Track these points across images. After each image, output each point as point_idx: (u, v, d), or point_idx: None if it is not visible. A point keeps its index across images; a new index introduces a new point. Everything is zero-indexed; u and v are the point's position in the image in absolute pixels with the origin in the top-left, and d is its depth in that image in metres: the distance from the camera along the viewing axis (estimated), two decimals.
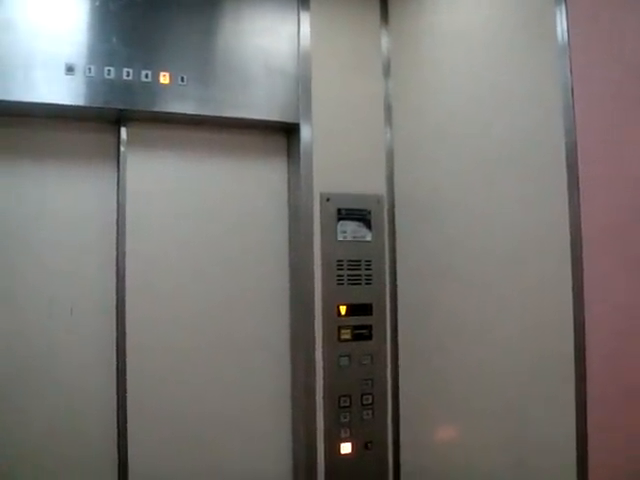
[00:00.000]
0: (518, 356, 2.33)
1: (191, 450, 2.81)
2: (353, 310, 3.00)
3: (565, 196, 2.10)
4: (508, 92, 2.41)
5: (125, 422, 2.70)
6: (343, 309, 2.98)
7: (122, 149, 2.79)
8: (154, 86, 2.73)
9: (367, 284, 3.04)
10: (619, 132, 2.09)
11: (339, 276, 2.98)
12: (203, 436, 2.83)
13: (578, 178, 2.08)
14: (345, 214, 3.02)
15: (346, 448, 2.94)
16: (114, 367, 2.72)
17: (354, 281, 3.01)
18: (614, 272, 2.05)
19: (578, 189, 2.07)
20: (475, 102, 2.59)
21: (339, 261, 2.99)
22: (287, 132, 3.07)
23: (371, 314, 3.03)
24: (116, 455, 2.70)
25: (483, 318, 2.52)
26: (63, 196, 2.73)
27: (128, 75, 2.68)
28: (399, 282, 3.07)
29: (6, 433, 2.57)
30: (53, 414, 2.64)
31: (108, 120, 2.79)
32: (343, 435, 2.93)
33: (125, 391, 2.71)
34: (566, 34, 2.13)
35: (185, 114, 2.81)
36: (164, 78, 2.74)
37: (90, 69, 2.63)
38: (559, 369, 2.12)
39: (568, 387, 2.07)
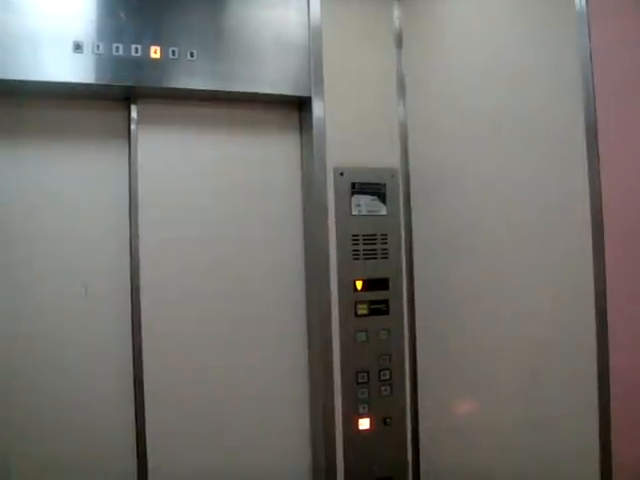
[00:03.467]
0: (537, 329, 2.31)
1: (208, 431, 2.81)
2: (369, 285, 2.98)
3: (585, 167, 2.07)
4: (525, 62, 2.37)
5: (143, 409, 2.71)
6: (359, 284, 2.96)
7: (132, 127, 2.77)
8: (163, 62, 2.70)
9: (383, 258, 3.01)
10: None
11: (354, 251, 2.96)
12: (220, 417, 2.84)
13: (598, 148, 2.04)
14: (359, 188, 2.98)
15: (364, 424, 2.93)
16: (130, 353, 2.72)
17: (370, 256, 2.98)
18: (636, 242, 2.02)
19: (598, 159, 2.04)
20: (490, 72, 2.55)
21: (354, 236, 2.96)
22: (299, 106, 3.04)
23: (387, 289, 3.01)
24: (134, 443, 2.71)
25: (500, 291, 2.50)
26: (73, 176, 2.71)
27: (137, 51, 2.65)
28: (415, 256, 3.04)
29: (19, 420, 2.57)
30: (68, 401, 2.64)
31: (118, 98, 2.77)
32: (361, 411, 2.93)
33: (142, 381, 2.71)
34: (584, 1, 2.07)
35: (195, 89, 2.77)
36: (173, 53, 2.70)
37: (98, 46, 2.59)
38: (580, 341, 2.10)
39: (589, 358, 2.05)
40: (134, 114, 2.77)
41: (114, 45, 2.62)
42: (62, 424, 2.62)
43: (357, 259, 2.96)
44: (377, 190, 3.02)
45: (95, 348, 2.69)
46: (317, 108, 2.92)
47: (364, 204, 2.99)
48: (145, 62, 2.67)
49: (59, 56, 2.54)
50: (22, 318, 2.60)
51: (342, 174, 2.95)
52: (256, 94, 2.87)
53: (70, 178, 2.71)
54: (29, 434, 2.57)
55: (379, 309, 2.99)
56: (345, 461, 2.87)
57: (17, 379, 2.58)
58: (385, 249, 3.02)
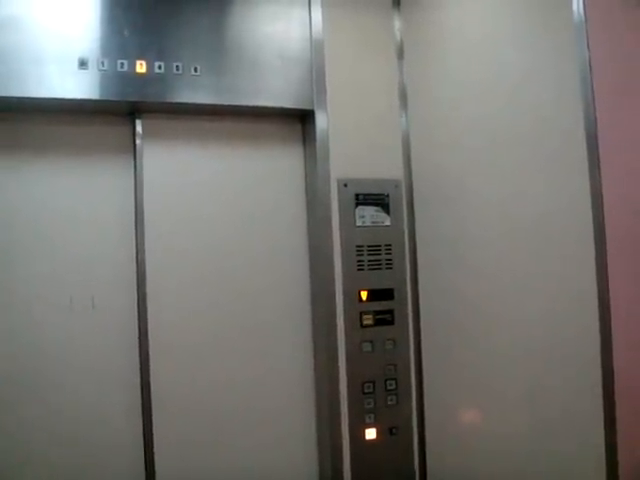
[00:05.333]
0: (542, 338, 2.30)
1: (215, 440, 2.82)
2: (374, 295, 2.98)
3: (586, 174, 2.07)
4: (525, 71, 2.38)
5: (150, 419, 2.72)
6: (364, 294, 2.97)
7: (138, 142, 2.80)
8: (167, 77, 2.73)
9: (388, 269, 3.02)
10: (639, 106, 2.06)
11: (359, 261, 2.97)
12: (227, 426, 2.84)
13: (598, 155, 2.04)
14: (363, 199, 3.00)
15: (371, 434, 2.93)
16: (137, 364, 2.73)
17: (374, 266, 2.99)
18: (638, 248, 2.02)
19: (599, 166, 2.04)
20: (491, 81, 2.56)
21: (359, 246, 2.97)
22: (302, 119, 3.06)
23: (392, 299, 3.01)
24: (142, 452, 2.72)
25: (504, 299, 2.50)
26: (80, 191, 2.74)
27: (141, 67, 2.68)
28: (419, 265, 3.05)
29: (25, 431, 2.58)
30: (76, 411, 2.65)
31: (123, 113, 2.80)
32: (368, 421, 2.93)
33: (149, 391, 2.72)
34: (582, 9, 2.09)
35: (199, 104, 2.80)
36: (177, 69, 2.73)
37: (103, 63, 2.62)
38: (584, 348, 2.09)
39: (594, 365, 2.05)
40: (139, 129, 2.80)
41: (119, 61, 2.65)
42: (70, 434, 2.63)
43: (362, 270, 2.97)
44: (381, 201, 3.03)
45: (102, 359, 2.70)
46: (320, 120, 2.94)
47: (368, 215, 3.00)
48: (149, 77, 2.70)
49: (64, 73, 2.57)
50: (30, 330, 2.62)
51: (346, 185, 2.97)
52: (259, 107, 2.89)
53: (76, 193, 2.73)
54: (36, 445, 2.58)
55: (384, 319, 2.99)
56: (352, 471, 2.87)
57: (24, 390, 2.59)
58: (389, 259, 3.03)
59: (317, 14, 2.97)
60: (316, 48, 2.96)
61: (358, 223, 2.98)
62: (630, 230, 2.03)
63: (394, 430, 2.97)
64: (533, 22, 2.35)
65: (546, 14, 2.28)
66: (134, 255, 2.76)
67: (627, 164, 2.05)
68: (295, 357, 2.99)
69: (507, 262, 2.48)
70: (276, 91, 2.90)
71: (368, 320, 2.96)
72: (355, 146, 3.00)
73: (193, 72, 2.76)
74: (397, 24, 3.14)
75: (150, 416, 2.71)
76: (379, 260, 3.01)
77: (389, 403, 2.97)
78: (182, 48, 2.76)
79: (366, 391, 2.93)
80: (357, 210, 2.98)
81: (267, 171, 3.01)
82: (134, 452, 2.71)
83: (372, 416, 2.93)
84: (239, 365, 2.88)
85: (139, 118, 2.81)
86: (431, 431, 3.00)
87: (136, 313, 2.74)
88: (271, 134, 3.03)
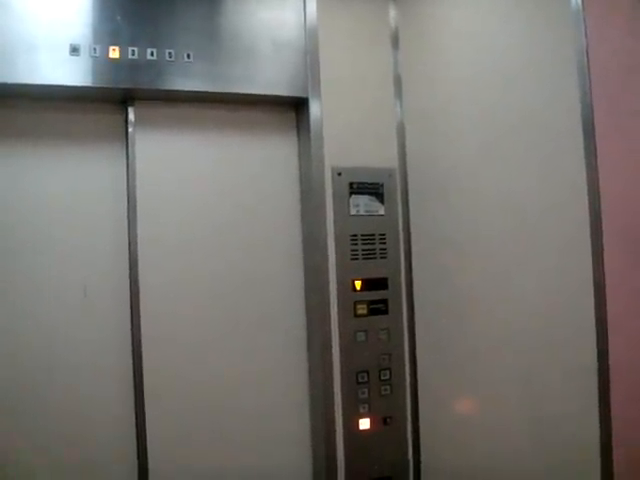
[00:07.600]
0: (537, 328, 2.31)
1: (209, 432, 2.81)
2: (368, 285, 2.97)
3: (582, 164, 2.07)
4: (521, 60, 2.37)
5: (143, 414, 2.71)
6: (358, 284, 2.96)
7: (130, 129, 2.77)
8: (160, 64, 2.70)
9: (382, 258, 3.01)
10: (636, 96, 2.05)
11: (353, 251, 2.96)
12: (221, 417, 2.83)
13: (595, 145, 2.04)
14: (357, 188, 2.99)
15: (365, 424, 2.93)
16: (130, 360, 2.72)
17: (368, 255, 2.98)
18: (634, 237, 2.02)
19: (595, 156, 2.04)
20: (487, 71, 2.55)
21: (353, 236, 2.96)
22: (296, 107, 3.04)
23: (387, 288, 3.01)
24: (135, 448, 2.71)
25: (499, 290, 2.50)
26: (71, 179, 2.71)
27: (133, 54, 2.65)
28: (413, 255, 3.04)
29: (16, 422, 2.56)
30: (69, 407, 2.64)
31: (115, 100, 2.77)
32: (361, 411, 2.93)
33: (142, 380, 2.71)
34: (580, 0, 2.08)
35: (192, 91, 2.77)
36: (169, 56, 2.71)
37: (95, 49, 2.60)
38: (579, 341, 2.10)
39: (589, 359, 2.05)
40: (131, 116, 2.78)
41: (111, 48, 2.62)
42: (61, 425, 2.62)
43: (356, 259, 2.96)
44: (375, 190, 3.02)
45: (94, 350, 2.69)
46: (314, 108, 2.93)
47: (362, 204, 2.99)
48: (142, 64, 2.67)
49: (56, 59, 2.54)
50: (20, 320, 2.60)
51: (340, 174, 2.96)
52: (253, 95, 2.87)
53: (68, 181, 2.71)
54: (27, 436, 2.57)
55: (378, 309, 2.99)
56: (346, 461, 2.87)
57: (14, 381, 2.57)
58: (384, 249, 3.02)
59: (312, 1, 2.94)
60: (310, 36, 2.94)
61: (352, 212, 2.97)
62: (627, 219, 2.03)
63: (388, 420, 2.97)
64: (530, 11, 2.34)
65: (544, 4, 2.27)
66: (126, 244, 2.73)
67: (624, 155, 2.05)
68: (289, 347, 2.98)
69: (502, 251, 2.48)
70: (270, 79, 2.88)
71: (362, 310, 2.95)
72: (349, 135, 2.98)
73: (186, 59, 2.74)
74: (392, 13, 3.12)
75: (143, 407, 2.70)
76: (373, 249, 2.99)
77: (383, 393, 2.97)
78: (175, 35, 2.74)
79: (360, 381, 2.93)
80: (351, 199, 2.97)
81: (261, 159, 2.99)
82: (127, 443, 2.70)
83: (366, 406, 2.93)
84: (232, 355, 2.87)
85: (131, 105, 2.78)
86: (425, 421, 3.00)
87: (128, 304, 2.72)
88: (265, 122, 3.01)
